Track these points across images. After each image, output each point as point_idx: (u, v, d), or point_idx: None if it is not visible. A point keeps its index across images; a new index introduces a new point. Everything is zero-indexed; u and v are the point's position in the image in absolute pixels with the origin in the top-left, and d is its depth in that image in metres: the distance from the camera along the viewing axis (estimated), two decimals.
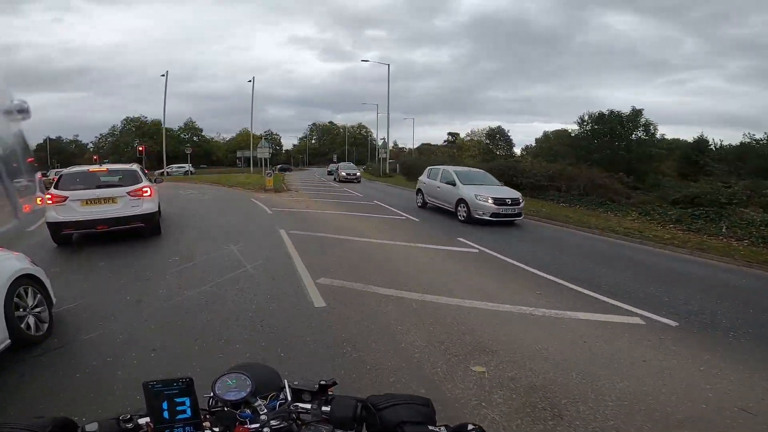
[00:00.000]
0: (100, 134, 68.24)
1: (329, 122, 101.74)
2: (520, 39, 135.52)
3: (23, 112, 0.62)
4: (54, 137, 67.98)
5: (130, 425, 0.78)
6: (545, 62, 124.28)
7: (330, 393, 0.90)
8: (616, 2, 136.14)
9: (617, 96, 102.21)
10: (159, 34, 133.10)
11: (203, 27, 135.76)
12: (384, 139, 41.36)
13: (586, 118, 57.46)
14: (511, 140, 71.62)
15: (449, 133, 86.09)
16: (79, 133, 72.74)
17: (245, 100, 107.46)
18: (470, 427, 0.75)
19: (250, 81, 43.30)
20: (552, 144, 61.69)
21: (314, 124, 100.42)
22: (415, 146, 75.70)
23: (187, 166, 41.00)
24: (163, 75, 39.30)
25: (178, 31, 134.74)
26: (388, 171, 38.97)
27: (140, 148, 37.26)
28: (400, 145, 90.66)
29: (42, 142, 64.12)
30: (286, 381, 0.95)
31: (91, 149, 69.57)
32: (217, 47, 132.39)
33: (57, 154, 62.30)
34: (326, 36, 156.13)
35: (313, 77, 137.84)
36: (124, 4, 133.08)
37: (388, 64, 38.62)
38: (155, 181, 11.07)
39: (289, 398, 0.90)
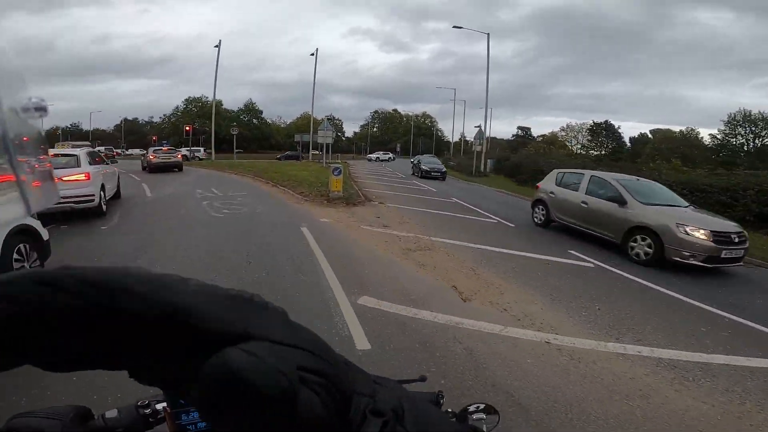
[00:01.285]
0: (164, 115, 65.40)
1: (393, 110, 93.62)
2: (592, 34, 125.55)
3: (40, 109, 0.58)
4: (131, 118, 74.78)
5: (147, 410, 0.78)
6: (620, 59, 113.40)
7: None
8: None
9: (707, 96, 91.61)
10: (231, 26, 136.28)
11: (270, 19, 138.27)
12: (480, 126, 31.82)
13: (739, 118, 43.66)
14: (621, 137, 58.32)
15: (519, 128, 77.58)
16: (154, 115, 73.29)
17: (308, 88, 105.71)
18: (473, 407, 0.74)
19: (312, 54, 35.74)
20: (675, 146, 48.40)
21: (376, 112, 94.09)
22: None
23: (191, 150, 33.89)
24: (216, 46, 33.07)
25: (247, 23, 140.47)
26: (483, 169, 29.55)
27: (187, 128, 31.25)
28: (467, 139, 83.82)
29: (119, 122, 72.71)
30: None
31: (157, 129, 67.57)
32: (281, 39, 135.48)
33: (131, 134, 67.86)
34: (386, 28, 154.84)
35: (373, 68, 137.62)
36: None
37: (488, 33, 29.04)
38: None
39: None
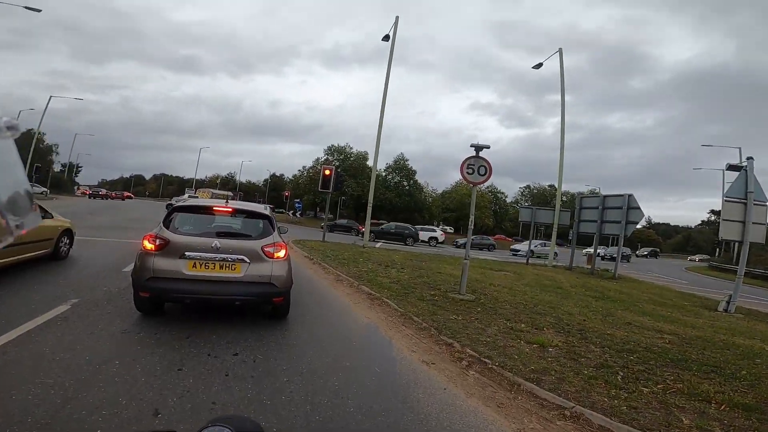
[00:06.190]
0: (303, 167, 56.58)
1: (548, 185, 74.17)
2: (757, 97, 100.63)
3: (12, 128, 0.61)
4: (278, 174, 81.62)
5: None
6: None
7: None
8: None
9: None
10: (369, 98, 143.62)
11: (398, 94, 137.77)
12: None
13: None
14: None
15: (713, 211, 64.92)
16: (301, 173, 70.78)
17: (432, 162, 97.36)
18: None
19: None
20: None
21: (528, 187, 76.99)
22: None
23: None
24: (385, 38, 19.47)
25: (380, 95, 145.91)
26: None
27: (326, 172, 16.67)
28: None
29: (268, 177, 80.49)
30: None
31: (293, 183, 60.12)
32: (408, 112, 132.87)
33: (274, 189, 75.01)
34: (507, 102, 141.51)
35: (495, 143, 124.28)
36: (345, 71, 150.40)
37: None
38: None
39: None
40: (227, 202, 5.00)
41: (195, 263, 4.33)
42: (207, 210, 4.92)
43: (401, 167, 47.75)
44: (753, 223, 8.28)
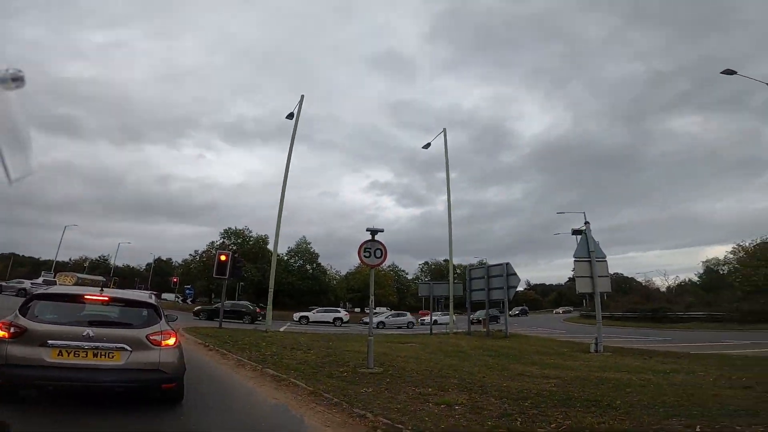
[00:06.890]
0: (195, 251, 52.14)
1: (444, 260, 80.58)
2: (591, 164, 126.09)
3: (17, 80, 0.59)
4: (165, 259, 72.93)
5: None
6: (625, 185, 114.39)
7: None
8: (673, 103, 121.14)
9: (722, 207, 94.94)
10: (270, 176, 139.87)
11: (301, 173, 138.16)
12: None
13: None
14: None
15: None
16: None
17: (336, 244, 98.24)
18: None
19: None
20: None
21: (426, 264, 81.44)
22: None
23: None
24: (289, 116, 20.79)
25: (282, 176, 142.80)
26: None
27: (222, 257, 15.83)
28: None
29: (152, 261, 70.00)
30: None
31: (184, 269, 54.71)
32: (311, 192, 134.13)
33: (158, 275, 66.94)
34: (403, 181, 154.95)
35: (394, 222, 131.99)
36: (246, 148, 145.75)
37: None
38: None
39: None
40: (102, 290, 4.61)
41: (61, 351, 3.85)
42: (75, 299, 4.45)
43: (303, 251, 47.28)
44: (599, 276, 10.18)
